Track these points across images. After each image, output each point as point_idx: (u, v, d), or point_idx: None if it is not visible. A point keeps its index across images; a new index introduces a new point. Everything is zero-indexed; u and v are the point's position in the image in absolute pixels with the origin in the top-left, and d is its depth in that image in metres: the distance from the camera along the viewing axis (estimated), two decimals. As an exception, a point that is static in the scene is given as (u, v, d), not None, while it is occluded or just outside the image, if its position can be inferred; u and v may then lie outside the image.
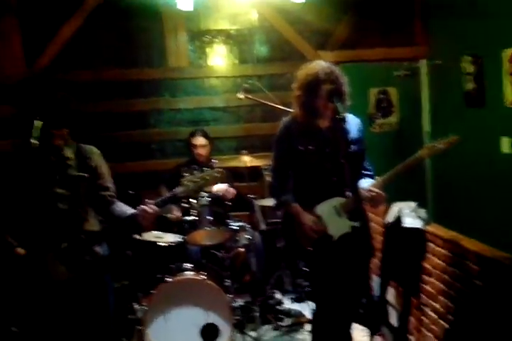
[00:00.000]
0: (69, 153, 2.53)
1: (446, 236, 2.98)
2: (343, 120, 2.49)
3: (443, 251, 2.98)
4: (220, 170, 2.53)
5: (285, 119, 2.85)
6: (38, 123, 2.32)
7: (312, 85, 2.65)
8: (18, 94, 4.20)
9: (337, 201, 2.73)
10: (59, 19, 4.47)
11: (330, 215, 2.72)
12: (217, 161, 4.13)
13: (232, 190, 4.12)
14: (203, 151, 4.25)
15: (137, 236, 3.71)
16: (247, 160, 3.88)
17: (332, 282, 2.77)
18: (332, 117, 2.75)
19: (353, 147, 2.71)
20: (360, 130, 2.84)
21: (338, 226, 2.72)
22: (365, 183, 2.71)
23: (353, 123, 2.80)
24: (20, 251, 2.41)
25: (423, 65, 5.05)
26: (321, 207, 2.74)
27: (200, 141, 4.26)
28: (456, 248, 2.84)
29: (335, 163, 2.71)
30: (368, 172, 2.83)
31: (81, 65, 4.67)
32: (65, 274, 2.43)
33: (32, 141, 2.23)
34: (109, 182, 2.65)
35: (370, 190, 2.62)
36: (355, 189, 2.60)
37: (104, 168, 2.64)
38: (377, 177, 2.72)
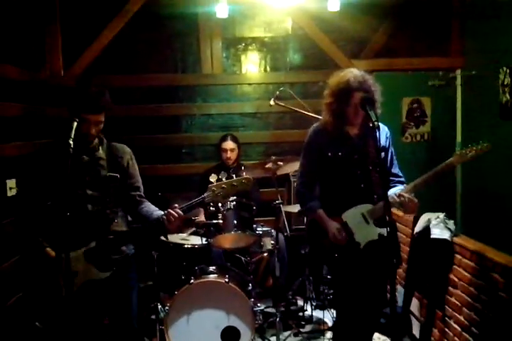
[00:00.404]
0: (102, 152, 2.58)
1: (473, 248, 2.93)
2: (377, 128, 2.48)
3: (470, 262, 2.93)
4: (248, 177, 2.53)
5: (315, 126, 2.87)
6: (75, 125, 2.36)
7: (344, 92, 2.67)
8: (55, 97, 4.32)
9: (365, 208, 2.73)
10: (99, 24, 4.60)
11: (357, 222, 2.72)
12: (246, 166, 4.18)
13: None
14: (232, 155, 4.34)
15: (163, 238, 3.77)
16: (274, 167, 3.89)
17: (356, 289, 2.76)
18: (362, 124, 2.76)
19: (382, 154, 2.71)
20: (388, 137, 2.84)
21: (365, 233, 2.71)
22: (396, 190, 2.70)
23: (381, 130, 2.79)
24: (51, 252, 2.47)
25: (458, 76, 4.99)
26: (349, 214, 2.74)
27: (229, 145, 4.35)
28: (483, 260, 2.79)
29: (363, 169, 2.73)
30: (400, 179, 2.83)
31: (117, 70, 4.79)
32: (96, 273, 2.49)
33: (70, 141, 2.26)
34: (139, 182, 2.70)
35: (401, 195, 2.60)
36: (383, 196, 2.59)
37: (134, 167, 2.69)
38: (407, 184, 2.70)
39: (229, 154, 4.32)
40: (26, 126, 3.87)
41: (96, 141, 2.58)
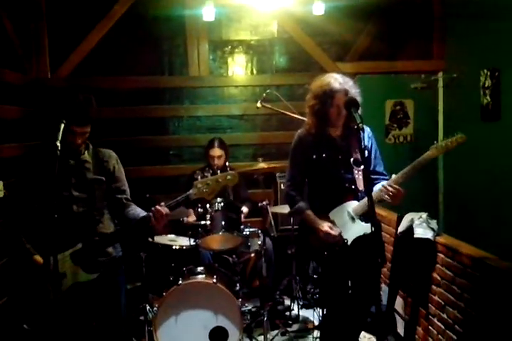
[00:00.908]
0: (87, 156, 2.61)
1: (455, 247, 3.00)
2: (362, 129, 2.55)
3: (452, 261, 3.00)
4: (232, 172, 2.58)
5: (299, 131, 2.97)
6: (63, 126, 2.37)
7: (327, 94, 2.75)
8: (39, 97, 4.32)
9: (350, 205, 2.82)
10: (86, 26, 4.61)
11: (344, 219, 2.81)
12: (233, 168, 4.22)
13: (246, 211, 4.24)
14: (219, 162, 4.33)
15: (150, 239, 3.79)
16: (262, 167, 3.95)
17: (343, 287, 2.84)
18: (343, 126, 2.84)
19: (365, 153, 2.78)
20: (370, 137, 2.93)
21: (351, 230, 2.79)
22: (381, 184, 2.77)
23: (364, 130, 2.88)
24: (39, 259, 2.47)
25: (440, 78, 5.10)
26: (335, 212, 2.84)
27: (216, 152, 4.33)
28: (465, 259, 2.86)
29: (347, 169, 2.80)
30: (385, 177, 2.90)
31: (105, 72, 4.80)
32: (83, 275, 2.50)
33: (57, 143, 2.28)
34: (125, 186, 2.72)
35: (389, 186, 2.67)
36: (368, 193, 2.67)
37: (120, 171, 2.71)
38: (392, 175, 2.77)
39: (216, 161, 4.31)
40: (20, 128, 3.88)
41: (82, 145, 2.60)
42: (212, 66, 5.01)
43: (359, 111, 2.69)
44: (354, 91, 2.78)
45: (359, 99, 2.75)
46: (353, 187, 2.82)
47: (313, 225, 2.82)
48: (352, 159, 2.81)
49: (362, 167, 2.75)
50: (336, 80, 2.76)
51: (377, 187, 2.79)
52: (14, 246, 2.55)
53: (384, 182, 2.76)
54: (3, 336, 3.03)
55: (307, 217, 2.86)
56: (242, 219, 4.13)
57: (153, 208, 2.48)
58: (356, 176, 2.81)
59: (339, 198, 2.84)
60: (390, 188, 2.66)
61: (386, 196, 2.69)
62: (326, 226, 2.78)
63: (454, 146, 2.65)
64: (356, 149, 2.79)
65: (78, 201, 2.54)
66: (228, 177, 2.53)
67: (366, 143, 2.85)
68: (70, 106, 2.45)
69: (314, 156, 2.85)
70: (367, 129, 2.89)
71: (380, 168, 2.94)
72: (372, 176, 2.83)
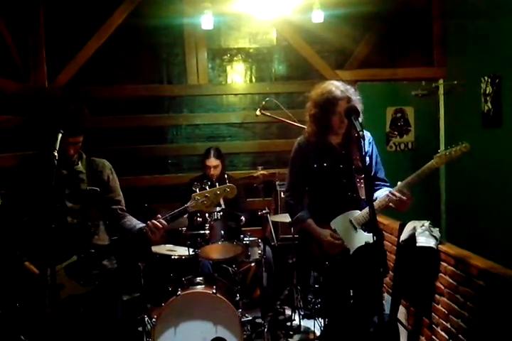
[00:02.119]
0: (81, 167, 2.56)
1: (458, 256, 2.95)
2: (363, 137, 2.52)
3: (455, 270, 2.95)
4: (231, 185, 2.54)
5: (299, 139, 2.93)
6: (60, 136, 2.34)
7: (329, 102, 2.71)
8: (36, 106, 4.30)
9: (352, 214, 2.78)
10: (83, 35, 4.60)
11: (346, 229, 2.76)
12: (231, 177, 4.19)
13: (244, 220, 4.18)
14: (215, 172, 4.27)
15: (146, 250, 3.74)
16: (261, 175, 3.92)
17: (345, 297, 2.79)
18: (344, 134, 2.80)
19: (366, 161, 2.75)
20: (371, 142, 2.89)
21: (353, 239, 2.75)
22: (384, 191, 2.73)
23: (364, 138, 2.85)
24: (31, 267, 2.42)
25: (441, 85, 5.08)
26: (337, 221, 2.79)
27: (212, 162, 4.27)
28: (468, 267, 2.81)
29: (349, 178, 2.77)
30: (386, 184, 2.86)
31: (103, 81, 4.79)
32: (78, 288, 2.45)
33: (55, 153, 2.25)
34: (120, 196, 2.68)
35: (394, 193, 2.63)
36: (369, 202, 2.63)
37: (115, 181, 2.66)
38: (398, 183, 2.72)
39: (212, 171, 4.25)
40: (17, 137, 3.86)
41: (75, 155, 2.56)
42: (211, 74, 5.00)
43: (360, 119, 2.67)
44: (355, 98, 2.75)
45: (360, 106, 2.73)
46: (355, 195, 2.77)
47: (315, 235, 2.77)
48: (353, 167, 2.77)
49: (363, 175, 2.71)
50: (338, 88, 2.72)
51: (379, 194, 2.75)
52: (5, 254, 2.50)
53: (391, 189, 2.71)
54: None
55: (308, 227, 2.81)
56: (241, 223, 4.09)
57: (148, 222, 2.45)
58: (358, 184, 2.77)
59: (341, 207, 2.79)
60: (398, 194, 2.62)
61: (392, 203, 2.65)
62: (328, 236, 2.73)
63: (458, 155, 2.60)
64: (357, 157, 2.75)
65: (72, 212, 2.50)
66: (227, 189, 2.51)
67: (367, 149, 2.81)
68: (62, 116, 2.42)
69: (315, 165, 2.81)
70: (367, 135, 2.86)
71: (382, 175, 2.90)
72: (373, 182, 2.79)
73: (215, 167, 4.28)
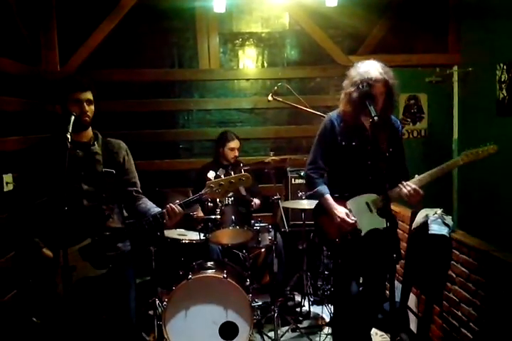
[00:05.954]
0: (97, 147, 2.55)
1: (471, 244, 2.94)
2: (377, 123, 2.51)
3: (467, 258, 2.94)
4: (246, 174, 2.52)
5: (330, 114, 2.90)
6: (73, 119, 2.35)
7: (366, 83, 2.66)
8: (47, 90, 4.28)
9: (370, 197, 2.78)
10: (95, 19, 4.56)
11: (361, 210, 2.77)
12: (244, 163, 4.18)
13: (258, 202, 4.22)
14: (236, 153, 4.32)
15: (159, 234, 3.76)
16: (272, 161, 3.91)
17: (355, 280, 2.80)
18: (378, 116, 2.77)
19: (392, 147, 2.76)
20: (400, 130, 2.91)
21: (367, 221, 2.75)
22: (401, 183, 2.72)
23: (394, 123, 2.88)
24: (48, 253, 2.43)
25: (455, 72, 5.00)
26: (354, 201, 2.80)
27: (236, 143, 4.32)
28: (481, 255, 2.80)
29: (374, 161, 2.76)
30: (407, 174, 2.84)
31: (114, 65, 4.76)
32: (92, 270, 2.46)
33: (68, 135, 2.25)
34: (135, 178, 2.67)
35: (408, 185, 2.64)
36: (389, 187, 2.63)
37: (130, 163, 2.65)
38: (416, 176, 2.73)
39: (236, 153, 4.30)
40: (25, 121, 3.85)
41: (91, 135, 2.56)
42: (223, 59, 4.95)
43: (395, 103, 2.67)
44: (392, 82, 2.71)
45: (397, 90, 2.72)
46: (377, 180, 2.74)
47: (330, 210, 2.78)
48: (380, 151, 2.74)
49: (387, 161, 2.70)
50: (377, 69, 2.69)
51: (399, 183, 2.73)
52: (22, 239, 2.51)
53: (408, 182, 2.70)
54: (13, 329, 3.02)
55: (325, 202, 2.81)
56: (254, 207, 4.15)
57: (168, 206, 2.45)
58: (381, 169, 2.75)
59: (360, 189, 2.80)
60: (409, 188, 2.63)
61: (402, 195, 2.67)
62: (343, 212, 2.74)
63: (485, 156, 2.62)
64: (384, 142, 2.74)
65: (88, 195, 2.49)
66: (242, 178, 2.49)
67: (395, 136, 2.83)
68: (66, 79, 2.50)
69: (344, 143, 2.80)
70: (397, 122, 2.89)
71: (404, 163, 2.90)
72: (396, 170, 2.78)
73: (238, 149, 4.31)
